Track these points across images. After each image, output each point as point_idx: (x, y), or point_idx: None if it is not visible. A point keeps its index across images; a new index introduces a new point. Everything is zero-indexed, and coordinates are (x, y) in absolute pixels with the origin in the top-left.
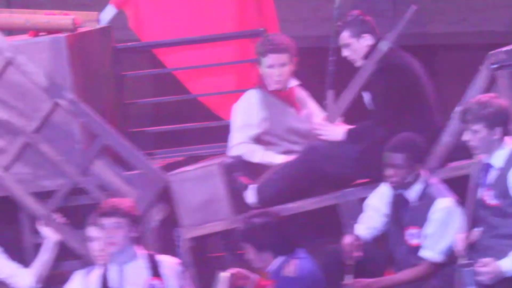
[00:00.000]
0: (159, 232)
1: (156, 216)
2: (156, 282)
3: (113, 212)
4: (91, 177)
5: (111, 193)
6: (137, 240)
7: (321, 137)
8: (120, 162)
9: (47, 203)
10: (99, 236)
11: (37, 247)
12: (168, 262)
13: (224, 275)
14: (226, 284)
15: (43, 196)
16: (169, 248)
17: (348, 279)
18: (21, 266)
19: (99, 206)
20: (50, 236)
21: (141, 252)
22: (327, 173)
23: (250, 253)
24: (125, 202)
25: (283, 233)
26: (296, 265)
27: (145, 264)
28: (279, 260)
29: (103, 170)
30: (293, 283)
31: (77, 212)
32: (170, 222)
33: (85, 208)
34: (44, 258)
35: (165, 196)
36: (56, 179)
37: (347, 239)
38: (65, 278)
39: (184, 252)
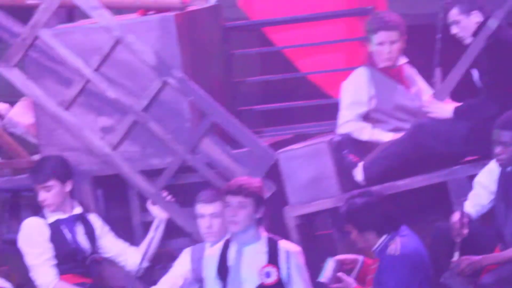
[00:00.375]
0: (266, 211)
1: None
2: (272, 269)
3: (240, 191)
4: (199, 155)
5: (219, 171)
6: (260, 222)
7: (430, 115)
8: (229, 140)
9: (156, 182)
10: (207, 214)
11: (146, 225)
12: (288, 249)
13: (331, 261)
14: (334, 269)
15: (151, 174)
16: (276, 227)
17: (456, 257)
18: (129, 244)
19: (227, 184)
20: (158, 214)
21: (263, 235)
22: (435, 151)
23: (353, 233)
24: (253, 183)
25: (386, 212)
26: (400, 243)
27: (264, 248)
28: (383, 239)
29: (211, 148)
30: (397, 261)
31: (186, 190)
32: (278, 200)
33: (193, 186)
34: (152, 236)
35: (273, 174)
36: (164, 157)
37: (456, 217)
38: (173, 256)
39: (292, 230)
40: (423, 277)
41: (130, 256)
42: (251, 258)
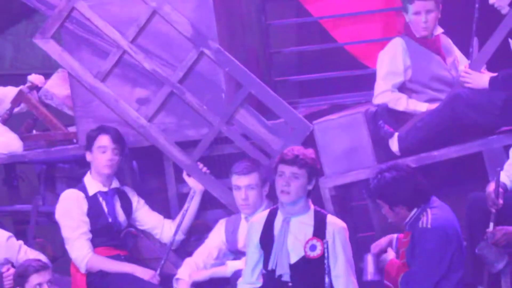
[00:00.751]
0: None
1: None
2: (317, 243)
3: (295, 161)
4: (235, 126)
5: (255, 142)
6: (310, 194)
7: (466, 85)
8: (264, 111)
9: (191, 153)
10: (242, 186)
11: (181, 196)
12: (336, 224)
13: (369, 256)
14: (374, 262)
15: (187, 145)
16: (312, 198)
17: (491, 227)
18: (164, 216)
19: (281, 152)
20: (194, 185)
21: (311, 207)
22: (471, 121)
23: (384, 208)
24: (308, 153)
25: (415, 186)
26: (431, 215)
27: (311, 221)
28: (414, 212)
29: (247, 119)
30: (429, 234)
31: (221, 161)
32: None
33: (229, 157)
34: (187, 207)
35: (308, 144)
36: (200, 129)
37: (491, 187)
38: (208, 228)
39: (327, 201)
40: (455, 248)
41: (165, 229)
42: (297, 229)
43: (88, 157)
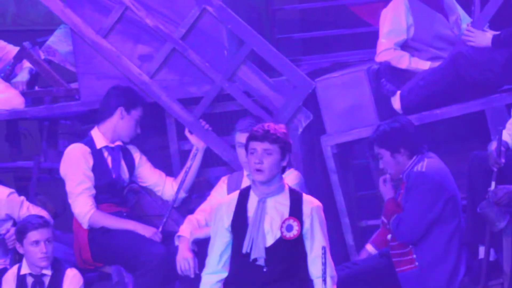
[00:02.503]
0: (303, 139)
1: (302, 122)
2: (294, 223)
3: (266, 136)
4: (237, 83)
5: (257, 100)
6: (284, 171)
7: (468, 43)
8: (267, 68)
9: (193, 110)
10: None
11: (183, 154)
12: (313, 203)
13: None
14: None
15: (189, 102)
16: (312, 156)
17: (493, 186)
18: (166, 174)
19: (251, 130)
20: (196, 143)
21: (286, 187)
22: (473, 79)
23: (385, 158)
24: (279, 128)
25: (415, 134)
26: (426, 162)
27: (287, 201)
28: (412, 160)
29: (249, 76)
30: (423, 176)
31: (223, 118)
32: (315, 129)
33: (231, 114)
34: (189, 165)
35: (310, 102)
36: (202, 86)
37: (493, 145)
38: (210, 185)
39: (329, 159)
40: (448, 197)
41: (166, 186)
42: (274, 210)
43: (119, 113)
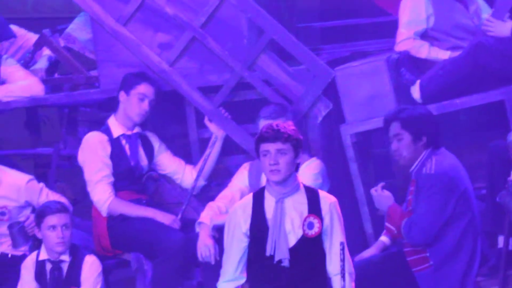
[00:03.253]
0: (323, 128)
1: (321, 111)
2: (314, 220)
3: (277, 136)
4: (257, 72)
5: (276, 88)
6: (298, 169)
7: (489, 33)
8: (286, 57)
9: (213, 98)
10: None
11: (203, 142)
12: (330, 199)
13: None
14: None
15: (209, 91)
16: (331, 145)
17: None
18: (186, 162)
19: (260, 132)
20: (215, 131)
21: (301, 184)
22: (493, 69)
23: (406, 140)
24: (288, 126)
25: (437, 127)
26: (435, 161)
27: (305, 199)
28: (422, 155)
29: (269, 65)
30: (433, 179)
31: (243, 107)
32: (334, 118)
33: (251, 103)
34: (209, 153)
35: (330, 91)
36: (222, 74)
37: None
38: (229, 173)
39: (348, 148)
40: (459, 195)
41: (186, 174)
42: (292, 209)
43: (122, 97)
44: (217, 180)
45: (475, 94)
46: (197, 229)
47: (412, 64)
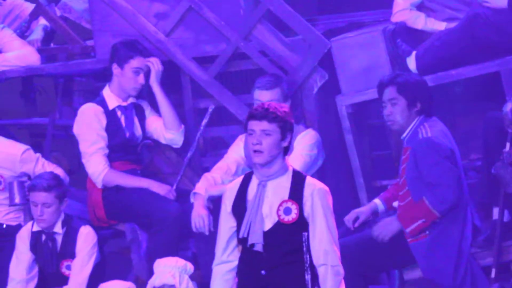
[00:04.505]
0: (319, 99)
1: (317, 82)
2: (292, 206)
3: (264, 116)
4: (253, 42)
5: (272, 59)
6: (286, 152)
7: (485, 4)
8: (282, 27)
9: (209, 68)
10: (265, 100)
11: (198, 112)
12: (315, 186)
13: None
14: None
15: (205, 61)
16: (327, 116)
17: (507, 147)
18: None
19: (251, 109)
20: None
21: (289, 168)
22: (489, 40)
23: (401, 106)
24: (279, 107)
25: (431, 95)
26: (428, 126)
27: (288, 183)
28: (415, 122)
29: (265, 35)
30: (431, 142)
31: (239, 77)
32: (330, 89)
33: (246, 73)
34: (205, 123)
35: (326, 62)
36: (218, 44)
37: (508, 107)
38: (225, 143)
39: (344, 119)
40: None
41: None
42: (273, 193)
43: (115, 70)
44: (213, 151)
45: (471, 65)
46: (192, 199)
47: (408, 35)
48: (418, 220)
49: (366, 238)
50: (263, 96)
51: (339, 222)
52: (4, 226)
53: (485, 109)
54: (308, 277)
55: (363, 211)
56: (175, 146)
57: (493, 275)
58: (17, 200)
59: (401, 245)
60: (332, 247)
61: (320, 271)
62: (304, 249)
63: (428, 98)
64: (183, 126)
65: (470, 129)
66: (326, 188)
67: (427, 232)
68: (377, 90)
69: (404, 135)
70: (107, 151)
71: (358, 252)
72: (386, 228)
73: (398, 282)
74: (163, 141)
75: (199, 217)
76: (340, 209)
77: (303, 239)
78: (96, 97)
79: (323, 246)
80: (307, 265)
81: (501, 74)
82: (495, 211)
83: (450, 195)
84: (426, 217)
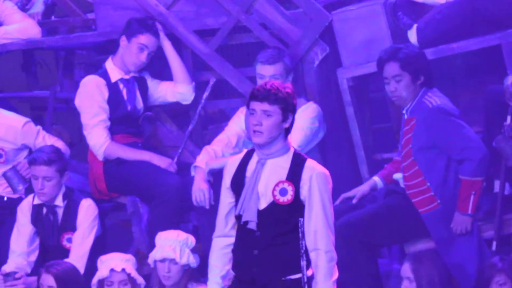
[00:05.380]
0: (320, 72)
1: (318, 55)
2: (288, 187)
3: (266, 96)
4: (253, 15)
5: (273, 32)
6: (288, 132)
7: None
8: (283, 0)
9: (210, 41)
10: (267, 75)
11: (199, 85)
12: (314, 169)
13: None
14: None
15: (206, 34)
16: (328, 89)
17: (508, 120)
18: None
19: (253, 89)
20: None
21: (291, 149)
22: (490, 13)
23: (406, 80)
24: (282, 88)
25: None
26: (434, 96)
27: (288, 164)
28: (419, 94)
29: (266, 8)
30: (443, 109)
31: (240, 50)
32: (331, 62)
33: (247, 46)
34: (206, 96)
35: (327, 35)
36: (219, 17)
37: (509, 80)
38: (225, 116)
39: (345, 92)
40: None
41: (177, 88)
42: (271, 172)
43: (122, 42)
44: (214, 124)
45: (472, 38)
46: (193, 172)
47: (409, 8)
48: (470, 196)
49: (371, 213)
50: (266, 71)
51: (338, 196)
52: (5, 198)
53: (486, 82)
54: (303, 263)
55: (361, 188)
56: (184, 103)
57: (494, 248)
58: (20, 187)
59: (408, 219)
60: (327, 232)
61: (312, 256)
62: (300, 235)
63: (429, 69)
64: (193, 82)
65: (471, 103)
66: (327, 172)
67: (438, 201)
68: (377, 66)
69: (408, 105)
70: (108, 123)
71: (365, 227)
72: (462, 225)
73: (399, 256)
74: (173, 98)
75: (199, 191)
76: (340, 182)
77: (299, 224)
78: (97, 70)
79: (317, 230)
80: (302, 251)
81: (502, 47)
82: (496, 184)
83: (482, 151)
84: (475, 189)
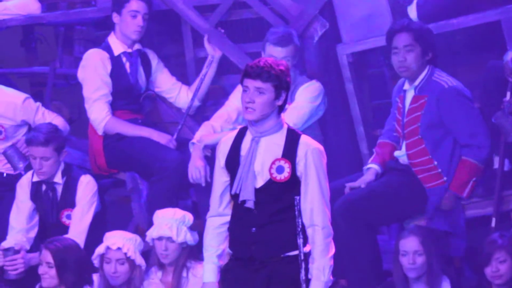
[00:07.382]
0: (319, 48)
1: (318, 31)
2: (285, 165)
3: (258, 74)
4: None
5: (273, 8)
6: (282, 110)
7: None
8: None
9: (210, 17)
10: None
11: (199, 61)
12: (309, 145)
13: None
14: None
15: (205, 9)
16: (327, 65)
17: (508, 96)
18: (182, 82)
19: (247, 65)
20: (212, 52)
21: (284, 126)
22: None
23: (416, 52)
24: (275, 65)
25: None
26: (446, 76)
27: (282, 141)
28: (425, 73)
29: None
30: (461, 91)
31: (240, 26)
32: (331, 38)
33: (247, 22)
34: (205, 72)
35: (327, 11)
36: None
37: (508, 56)
38: (225, 92)
39: (344, 68)
40: None
41: (181, 94)
42: (266, 150)
43: (115, 19)
44: (213, 100)
45: (472, 14)
46: (191, 149)
47: None
48: (470, 182)
49: (373, 191)
50: (278, 53)
51: (338, 173)
52: (5, 175)
53: (486, 58)
54: (300, 241)
55: (366, 178)
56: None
57: (493, 224)
58: (20, 165)
59: (408, 196)
60: (323, 208)
61: (309, 231)
62: (296, 212)
63: (436, 48)
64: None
65: (471, 79)
66: (321, 147)
67: (445, 179)
68: (387, 36)
69: (416, 83)
70: (110, 98)
71: (367, 204)
72: (451, 203)
73: (398, 232)
74: (169, 95)
75: (195, 169)
76: (340, 158)
77: (295, 202)
78: (96, 45)
79: (314, 207)
80: (299, 229)
81: (502, 23)
82: (496, 160)
83: (488, 142)
84: (476, 174)
